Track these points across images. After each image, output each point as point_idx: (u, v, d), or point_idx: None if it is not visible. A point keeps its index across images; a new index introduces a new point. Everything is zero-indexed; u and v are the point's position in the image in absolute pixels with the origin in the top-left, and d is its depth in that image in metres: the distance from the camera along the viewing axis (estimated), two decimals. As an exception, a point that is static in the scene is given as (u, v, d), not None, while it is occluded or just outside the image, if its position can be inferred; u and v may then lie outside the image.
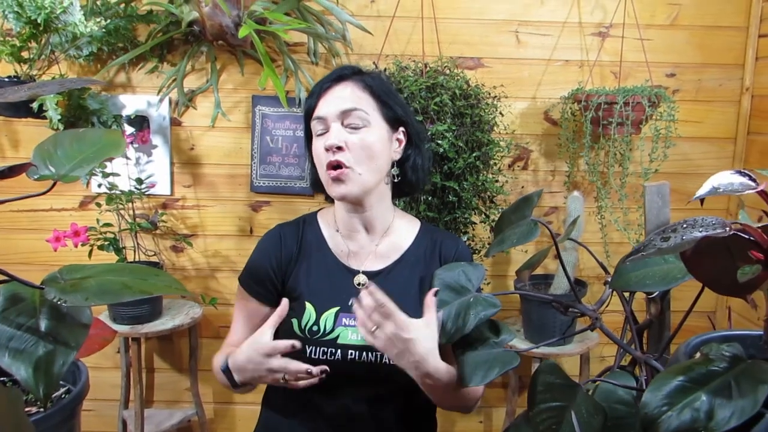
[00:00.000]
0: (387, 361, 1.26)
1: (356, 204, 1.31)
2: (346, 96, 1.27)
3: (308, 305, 1.29)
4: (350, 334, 1.27)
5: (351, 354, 1.26)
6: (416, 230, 1.41)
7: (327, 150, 1.24)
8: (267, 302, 1.35)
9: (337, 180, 1.24)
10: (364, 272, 1.33)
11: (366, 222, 1.35)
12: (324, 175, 1.28)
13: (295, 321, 1.29)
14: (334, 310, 1.29)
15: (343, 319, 1.28)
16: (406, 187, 1.40)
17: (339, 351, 1.26)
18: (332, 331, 1.27)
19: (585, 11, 2.27)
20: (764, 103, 2.27)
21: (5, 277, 0.73)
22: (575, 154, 2.28)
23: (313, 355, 1.26)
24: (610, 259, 2.20)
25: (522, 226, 1.06)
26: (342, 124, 1.25)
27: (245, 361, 1.19)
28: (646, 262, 0.95)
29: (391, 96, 1.33)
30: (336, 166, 1.24)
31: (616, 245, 2.33)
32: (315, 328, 1.28)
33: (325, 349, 1.26)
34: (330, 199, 1.39)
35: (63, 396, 1.03)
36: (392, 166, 1.34)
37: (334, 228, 1.38)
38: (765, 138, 2.26)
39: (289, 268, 1.34)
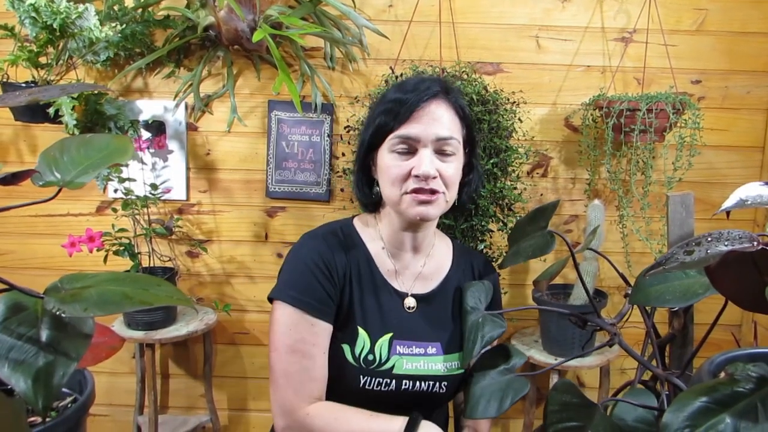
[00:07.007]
0: (437, 390, 1.23)
1: (419, 224, 1.27)
2: (442, 120, 1.20)
3: (361, 331, 1.23)
4: (405, 363, 1.22)
5: (405, 384, 1.22)
6: (450, 250, 1.38)
7: (416, 176, 1.18)
8: (329, 320, 1.23)
9: (425, 203, 1.19)
10: (412, 295, 1.29)
11: (416, 242, 1.31)
12: (398, 193, 1.21)
13: (347, 348, 1.22)
14: (387, 336, 1.23)
15: (398, 347, 1.23)
16: (456, 210, 1.37)
17: (394, 381, 1.21)
18: (387, 360, 1.21)
19: (608, 16, 2.22)
20: (793, 110, 2.21)
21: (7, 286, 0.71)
22: (596, 162, 2.23)
23: (368, 386, 1.20)
24: (632, 269, 2.15)
25: (538, 237, 1.03)
26: (434, 149, 1.20)
27: None
28: (667, 276, 0.92)
29: (473, 120, 1.27)
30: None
31: (639, 255, 2.28)
32: (371, 357, 1.21)
33: (381, 380, 1.21)
34: (369, 210, 1.34)
35: (69, 405, 1.02)
36: None
37: (380, 244, 1.32)
38: (793, 146, 2.20)
39: (343, 282, 1.25)
